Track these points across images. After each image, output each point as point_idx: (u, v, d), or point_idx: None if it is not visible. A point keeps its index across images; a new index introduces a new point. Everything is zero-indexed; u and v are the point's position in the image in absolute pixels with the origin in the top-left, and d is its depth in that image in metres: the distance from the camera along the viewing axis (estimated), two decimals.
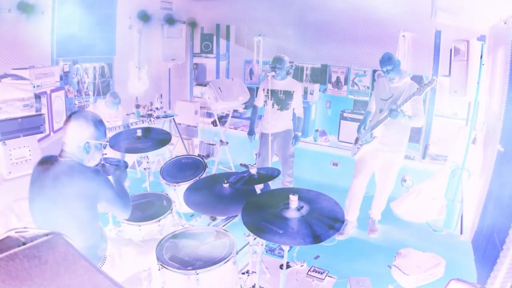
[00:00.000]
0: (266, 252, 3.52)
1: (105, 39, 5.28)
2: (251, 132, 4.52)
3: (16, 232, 1.03)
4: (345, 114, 5.43)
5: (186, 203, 2.63)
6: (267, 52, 6.16)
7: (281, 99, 4.14)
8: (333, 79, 5.76)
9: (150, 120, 4.77)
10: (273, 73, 3.99)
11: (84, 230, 2.00)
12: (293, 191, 2.11)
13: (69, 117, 2.01)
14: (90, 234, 2.04)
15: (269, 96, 4.07)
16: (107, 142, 2.13)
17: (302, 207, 2.05)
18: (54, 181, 1.90)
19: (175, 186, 3.21)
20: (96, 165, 2.31)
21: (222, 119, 5.91)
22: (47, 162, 2.00)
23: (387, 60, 3.46)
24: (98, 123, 2.04)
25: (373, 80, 5.46)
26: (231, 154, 5.36)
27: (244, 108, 6.28)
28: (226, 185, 2.68)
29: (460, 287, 2.17)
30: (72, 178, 1.91)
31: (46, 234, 1.05)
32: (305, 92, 5.64)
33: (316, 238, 1.85)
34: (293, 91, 4.08)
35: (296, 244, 1.92)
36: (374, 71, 5.42)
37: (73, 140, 1.98)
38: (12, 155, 3.49)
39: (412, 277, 3.10)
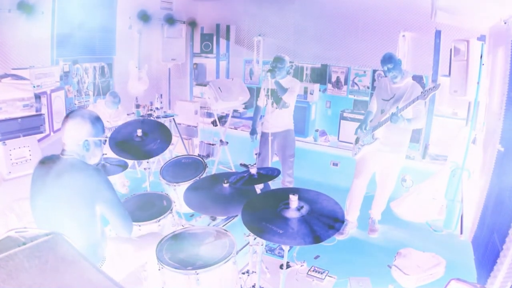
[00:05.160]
0: (266, 252, 3.52)
1: (105, 39, 5.28)
2: (253, 132, 4.53)
3: (16, 232, 1.03)
4: (345, 114, 5.43)
5: (186, 203, 2.63)
6: (267, 52, 6.16)
7: (280, 98, 4.14)
8: (333, 79, 5.76)
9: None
10: None
11: (84, 228, 2.00)
12: (293, 191, 2.11)
13: (66, 117, 2.03)
14: (90, 232, 2.04)
15: (269, 96, 4.08)
16: (106, 138, 2.14)
17: (302, 207, 2.05)
18: (55, 178, 1.92)
19: (175, 186, 3.21)
20: (97, 165, 2.31)
21: (222, 119, 5.91)
22: (48, 161, 2.02)
23: (388, 59, 3.46)
24: (95, 120, 2.06)
25: (373, 80, 5.46)
26: (231, 154, 5.35)
27: (244, 108, 6.28)
28: (226, 185, 2.68)
29: (460, 287, 2.17)
30: (73, 175, 1.93)
31: (46, 234, 1.05)
32: (305, 92, 5.64)
33: (316, 238, 1.85)
34: (288, 88, 4.07)
35: (296, 244, 1.92)
36: (374, 71, 5.42)
37: (72, 139, 2.00)
38: (12, 155, 3.49)
39: (412, 277, 3.10)
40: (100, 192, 1.98)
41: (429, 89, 3.14)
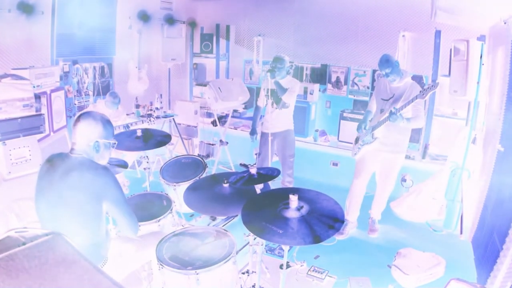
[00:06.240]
0: (266, 252, 3.52)
1: (105, 39, 5.28)
2: (253, 132, 4.53)
3: (16, 232, 1.03)
4: (345, 114, 5.43)
5: (186, 203, 2.63)
6: (267, 52, 6.16)
7: (279, 98, 4.14)
8: (333, 79, 5.76)
9: (150, 120, 4.77)
10: None
11: (88, 227, 2.01)
12: (293, 191, 2.11)
13: (78, 118, 2.06)
14: (94, 231, 2.04)
15: (269, 96, 4.08)
16: (115, 142, 2.16)
17: (302, 207, 2.06)
18: (63, 176, 1.93)
19: (175, 186, 3.21)
20: None
21: (222, 119, 5.91)
22: (56, 159, 2.03)
23: (385, 63, 3.45)
24: (106, 123, 2.10)
25: (373, 80, 5.46)
26: (231, 154, 5.36)
27: (244, 108, 6.28)
28: (226, 185, 2.68)
29: (460, 287, 2.17)
30: (81, 173, 1.94)
31: (46, 234, 1.05)
32: (305, 92, 5.64)
33: (316, 238, 1.85)
34: (288, 88, 4.08)
35: (296, 244, 1.92)
36: (374, 71, 5.42)
37: (83, 139, 2.03)
38: (12, 155, 3.49)
39: (412, 277, 3.10)
40: (108, 191, 2.00)
41: (428, 88, 3.14)
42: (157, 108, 5.35)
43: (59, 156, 2.04)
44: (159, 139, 3.46)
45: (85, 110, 4.61)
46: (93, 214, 1.99)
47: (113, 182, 2.02)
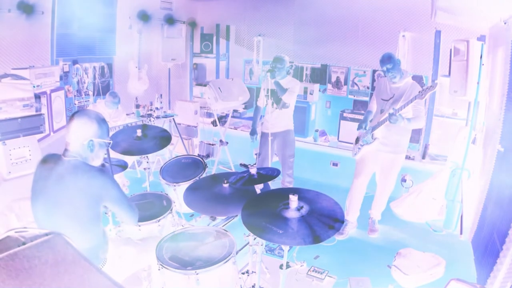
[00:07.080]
0: (266, 252, 3.52)
1: (105, 39, 5.29)
2: (253, 132, 4.54)
3: (16, 232, 1.03)
4: (345, 114, 5.43)
5: (186, 203, 2.63)
6: (267, 52, 6.16)
7: (280, 98, 4.14)
8: (333, 79, 5.76)
9: (150, 120, 4.78)
10: None
11: (86, 230, 1.99)
12: (293, 191, 2.11)
13: (72, 116, 2.01)
14: (92, 235, 2.03)
15: (269, 96, 4.08)
16: (110, 141, 2.12)
17: (302, 207, 2.05)
18: (58, 180, 1.90)
19: (175, 186, 3.21)
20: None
21: (222, 119, 5.91)
22: (50, 161, 1.99)
23: (387, 59, 3.45)
24: (101, 122, 2.04)
25: (373, 80, 5.46)
26: (231, 154, 5.36)
27: (244, 108, 6.28)
28: (226, 185, 2.68)
29: (460, 287, 2.17)
30: (76, 177, 1.91)
31: (46, 234, 1.05)
32: (305, 92, 5.64)
33: (316, 238, 1.85)
34: (288, 88, 4.08)
35: (296, 244, 1.92)
36: (374, 71, 5.42)
37: (77, 139, 1.97)
38: (12, 155, 3.49)
39: (412, 277, 3.10)
40: (107, 192, 1.97)
41: (427, 88, 3.15)
42: (157, 108, 5.34)
43: (52, 158, 2.00)
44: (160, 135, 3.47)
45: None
46: (90, 218, 1.97)
47: (110, 182, 1.99)
